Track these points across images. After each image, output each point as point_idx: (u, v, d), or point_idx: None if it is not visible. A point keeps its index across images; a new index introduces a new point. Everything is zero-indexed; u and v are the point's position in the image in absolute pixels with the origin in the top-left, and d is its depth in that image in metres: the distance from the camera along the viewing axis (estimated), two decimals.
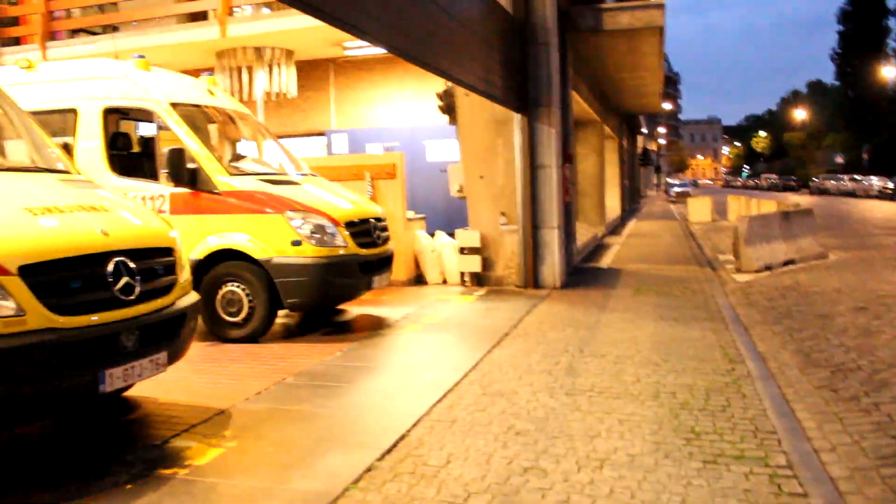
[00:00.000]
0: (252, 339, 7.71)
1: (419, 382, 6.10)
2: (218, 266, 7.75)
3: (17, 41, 15.09)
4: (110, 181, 7.70)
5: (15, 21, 15.38)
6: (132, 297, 4.39)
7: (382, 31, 6.54)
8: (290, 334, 8.31)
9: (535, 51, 11.23)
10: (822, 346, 7.31)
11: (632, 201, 42.10)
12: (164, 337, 4.74)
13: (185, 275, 5.19)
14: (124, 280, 4.36)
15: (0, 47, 14.82)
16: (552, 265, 11.38)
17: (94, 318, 4.15)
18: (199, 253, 7.69)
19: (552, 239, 11.38)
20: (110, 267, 4.31)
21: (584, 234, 17.82)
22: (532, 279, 11.32)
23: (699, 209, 29.61)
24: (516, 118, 11.09)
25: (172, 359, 4.90)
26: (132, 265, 4.44)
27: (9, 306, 3.76)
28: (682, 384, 5.88)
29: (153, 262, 4.76)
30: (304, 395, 5.77)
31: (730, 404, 5.36)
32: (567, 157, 12.38)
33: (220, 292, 7.75)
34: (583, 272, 13.36)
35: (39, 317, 3.86)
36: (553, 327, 8.27)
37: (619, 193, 32.54)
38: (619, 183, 32.83)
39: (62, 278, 4.07)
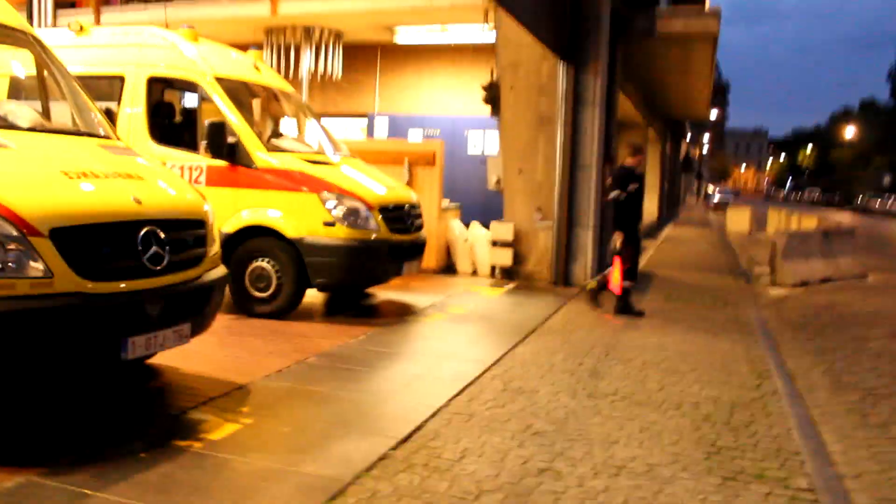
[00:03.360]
0: (278, 315, 7.71)
1: (440, 373, 6.05)
2: (249, 241, 7.76)
3: (72, 5, 15.28)
4: (150, 148, 7.76)
5: None
6: (160, 267, 4.38)
7: None
8: (315, 314, 8.31)
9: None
10: (854, 368, 7.14)
11: (670, 207, 41.69)
12: (190, 308, 4.74)
13: (214, 248, 5.17)
14: (153, 249, 4.35)
15: (56, 9, 14.98)
16: (584, 264, 11.29)
17: (122, 286, 4.15)
18: (232, 226, 7.70)
19: (586, 238, 11.28)
20: (141, 235, 4.30)
21: None
22: (563, 277, 11.23)
23: (738, 219, 29.21)
24: (560, 114, 10.99)
25: (196, 331, 4.89)
26: (162, 235, 4.43)
27: (38, 267, 3.77)
28: (706, 396, 5.78)
29: (184, 234, 4.75)
30: (324, 376, 5.75)
31: (754, 420, 5.25)
32: (609, 158, 12.25)
33: (250, 267, 7.76)
34: None
35: (67, 280, 3.86)
36: (580, 327, 8.19)
37: (658, 197, 32.23)
38: (659, 187, 32.51)
39: (92, 243, 4.06)
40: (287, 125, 9.77)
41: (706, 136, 76.97)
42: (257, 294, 7.76)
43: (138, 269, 4.27)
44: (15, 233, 3.72)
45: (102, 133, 5.44)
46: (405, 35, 14.56)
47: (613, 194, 9.11)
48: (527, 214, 11.47)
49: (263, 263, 7.72)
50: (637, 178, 9.20)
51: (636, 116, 20.49)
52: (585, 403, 5.40)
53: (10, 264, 3.70)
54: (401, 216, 8.31)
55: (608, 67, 11.59)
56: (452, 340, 7.40)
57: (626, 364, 6.62)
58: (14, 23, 5.55)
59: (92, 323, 4.02)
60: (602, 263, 12.15)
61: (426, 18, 13.32)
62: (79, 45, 8.38)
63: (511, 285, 11.03)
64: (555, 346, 7.23)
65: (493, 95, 11.94)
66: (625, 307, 9.05)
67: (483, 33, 13.59)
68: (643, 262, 15.58)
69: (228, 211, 7.67)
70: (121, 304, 4.17)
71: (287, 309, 7.77)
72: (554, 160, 11.18)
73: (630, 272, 9.12)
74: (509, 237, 11.38)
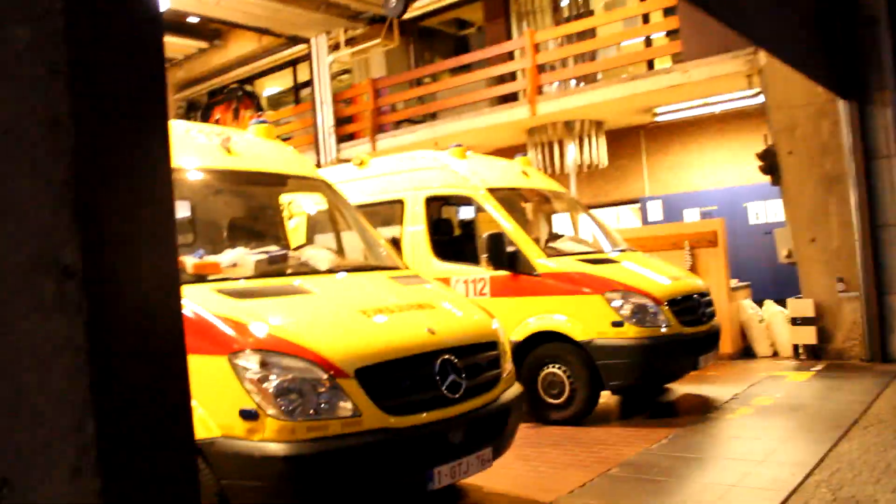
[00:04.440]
0: (574, 421, 7.56)
1: (755, 480, 5.55)
2: (538, 348, 7.74)
3: (351, 136, 16.60)
4: (434, 265, 8.08)
5: (349, 119, 16.98)
6: (458, 395, 4.43)
7: None
8: (611, 417, 8.06)
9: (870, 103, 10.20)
10: None
11: None
12: (490, 432, 4.74)
13: (508, 367, 5.18)
14: (451, 378, 4.42)
15: (339, 143, 16.39)
16: None
17: (424, 417, 4.23)
18: (520, 335, 7.73)
19: None
20: (437, 366, 4.39)
21: None
22: (879, 351, 10.10)
23: None
24: (850, 171, 10.10)
25: (497, 454, 4.88)
26: (458, 363, 4.50)
27: (347, 407, 3.94)
28: None
29: (478, 357, 4.81)
30: (630, 490, 5.48)
31: None
32: None
33: (542, 374, 7.71)
34: None
35: (374, 417, 4.00)
36: None
37: None
38: None
39: (393, 379, 4.21)
40: (561, 225, 9.80)
41: None
42: (551, 400, 7.67)
43: (438, 399, 4.35)
44: (325, 376, 3.93)
45: (391, 264, 5.71)
46: (666, 114, 14.27)
47: None
48: (826, 286, 10.54)
49: (555, 369, 7.65)
50: None
51: None
52: None
53: (322, 405, 3.90)
54: (691, 307, 7.93)
55: None
56: (763, 439, 6.81)
57: None
58: (309, 173, 6.07)
59: (399, 457, 4.11)
60: None
61: (686, 94, 12.96)
62: (361, 178, 9.03)
63: (819, 366, 10.10)
64: (886, 439, 6.41)
65: (770, 163, 11.26)
66: None
67: (748, 99, 13.01)
68: None
69: (515, 319, 7.73)
70: (425, 435, 4.24)
71: (582, 414, 7.60)
72: (850, 222, 10.25)
73: None
74: (810, 313, 10.49)
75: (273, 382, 3.84)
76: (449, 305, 5.16)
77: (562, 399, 7.64)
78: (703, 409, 8.05)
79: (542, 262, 7.78)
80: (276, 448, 3.77)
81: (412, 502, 5.30)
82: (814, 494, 5.15)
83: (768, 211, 13.85)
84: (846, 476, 5.48)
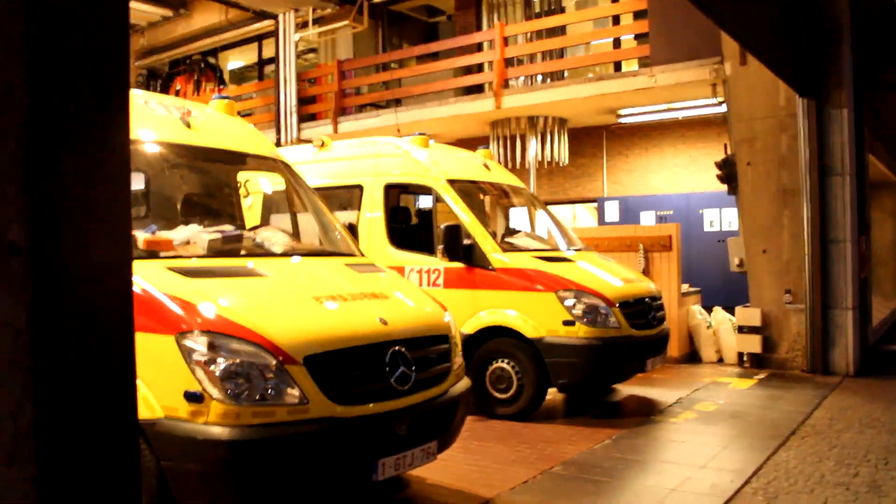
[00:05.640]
0: (520, 417, 7.59)
1: (695, 486, 5.61)
2: (489, 342, 7.75)
3: (313, 117, 16.44)
4: (389, 253, 8.05)
5: (313, 99, 16.81)
6: (407, 387, 4.41)
7: None
8: (557, 414, 8.11)
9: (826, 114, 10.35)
10: None
11: None
12: (436, 426, 4.73)
13: (458, 360, 5.17)
14: (400, 369, 4.40)
15: (300, 123, 16.23)
16: (845, 348, 10.29)
17: (371, 408, 4.20)
18: (471, 328, 7.73)
19: (845, 320, 10.31)
20: (388, 356, 4.36)
21: (880, 309, 16.14)
22: (821, 364, 10.28)
23: None
24: (805, 186, 10.25)
25: (443, 447, 4.88)
26: (408, 354, 4.47)
27: (294, 394, 3.89)
28: None
29: (429, 350, 4.79)
30: (571, 489, 5.51)
31: None
32: (864, 229, 11.28)
33: (490, 368, 7.72)
34: (881, 356, 11.99)
35: (321, 406, 3.96)
36: (848, 426, 7.39)
37: None
38: None
39: (342, 368, 4.16)
40: (518, 220, 9.81)
41: None
42: (498, 395, 7.69)
43: (386, 391, 4.32)
44: (273, 362, 3.87)
45: (346, 250, 5.65)
46: (630, 116, 14.37)
47: None
48: (774, 297, 10.71)
49: (503, 364, 7.66)
50: None
51: (889, 175, 18.83)
52: None
53: (269, 391, 3.85)
54: (642, 310, 8.00)
55: (854, 117, 10.64)
56: (705, 444, 6.90)
57: None
58: (267, 152, 5.97)
59: (345, 447, 4.07)
60: (864, 347, 11.09)
61: (651, 98, 13.08)
62: (321, 160, 8.96)
63: (762, 374, 10.27)
64: (821, 450, 6.54)
65: (728, 173, 11.40)
66: None
67: (711, 107, 13.15)
68: None
69: (467, 312, 7.72)
70: (371, 426, 4.21)
71: (529, 410, 7.63)
72: (802, 236, 10.41)
73: None
74: (757, 322, 10.66)
75: (220, 365, 3.77)
76: (402, 296, 5.12)
77: (509, 394, 7.66)
78: (647, 412, 8.13)
79: (497, 257, 7.78)
80: (220, 432, 3.70)
81: (355, 493, 5.28)
82: (750, 502, 5.23)
83: (723, 219, 14.05)
84: (782, 485, 5.58)
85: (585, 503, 5.21)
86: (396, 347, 4.43)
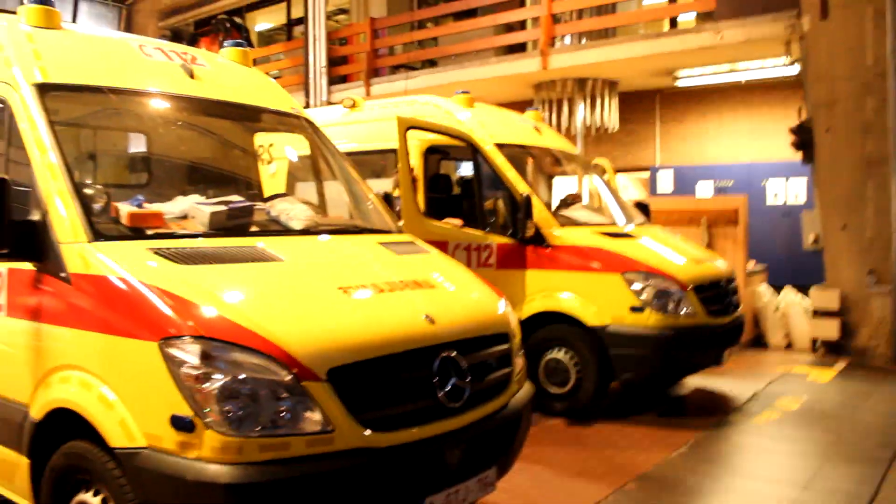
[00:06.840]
0: (577, 415, 6.64)
1: None
2: (543, 329, 6.77)
3: (344, 79, 15.48)
4: (428, 227, 7.03)
5: (344, 60, 15.83)
6: (460, 404, 3.43)
7: None
8: (616, 411, 7.07)
9: None
10: None
11: None
12: (496, 450, 3.77)
13: (520, 362, 4.14)
14: (452, 382, 3.41)
15: (330, 85, 15.27)
16: None
17: (415, 433, 3.23)
18: (524, 312, 6.76)
19: None
20: (436, 365, 3.38)
21: None
22: None
23: None
24: (894, 155, 9.11)
25: (502, 472, 3.92)
26: (462, 362, 3.49)
27: (315, 419, 2.95)
28: None
29: (486, 354, 3.78)
30: None
31: None
32: None
33: (545, 358, 6.77)
34: None
35: (350, 434, 3.01)
36: None
37: None
38: None
39: (378, 382, 3.20)
40: (573, 191, 8.79)
41: None
42: (553, 389, 6.75)
43: (434, 410, 3.34)
44: (287, 377, 2.93)
45: (381, 226, 4.68)
46: (688, 78, 13.19)
47: None
48: (855, 278, 9.60)
49: (560, 354, 6.70)
50: None
51: None
52: None
53: (281, 416, 2.91)
54: (718, 294, 6.97)
55: None
56: (801, 455, 5.91)
57: None
58: (287, 108, 5.00)
59: (382, 487, 3.13)
60: None
61: (714, 58, 11.90)
62: (351, 122, 8.04)
63: (841, 364, 9.19)
64: None
65: (803, 140, 10.25)
66: None
67: (779, 69, 11.97)
68: None
69: (519, 295, 6.76)
70: (415, 457, 3.25)
71: (588, 407, 6.65)
72: (888, 210, 9.28)
73: None
74: (835, 305, 9.57)
75: (217, 382, 2.83)
76: (451, 284, 4.11)
77: (566, 389, 6.71)
78: (721, 410, 7.15)
79: (555, 233, 6.79)
80: (215, 471, 2.77)
81: None
82: None
83: (789, 191, 12.89)
84: None
85: None
86: (447, 353, 3.44)
